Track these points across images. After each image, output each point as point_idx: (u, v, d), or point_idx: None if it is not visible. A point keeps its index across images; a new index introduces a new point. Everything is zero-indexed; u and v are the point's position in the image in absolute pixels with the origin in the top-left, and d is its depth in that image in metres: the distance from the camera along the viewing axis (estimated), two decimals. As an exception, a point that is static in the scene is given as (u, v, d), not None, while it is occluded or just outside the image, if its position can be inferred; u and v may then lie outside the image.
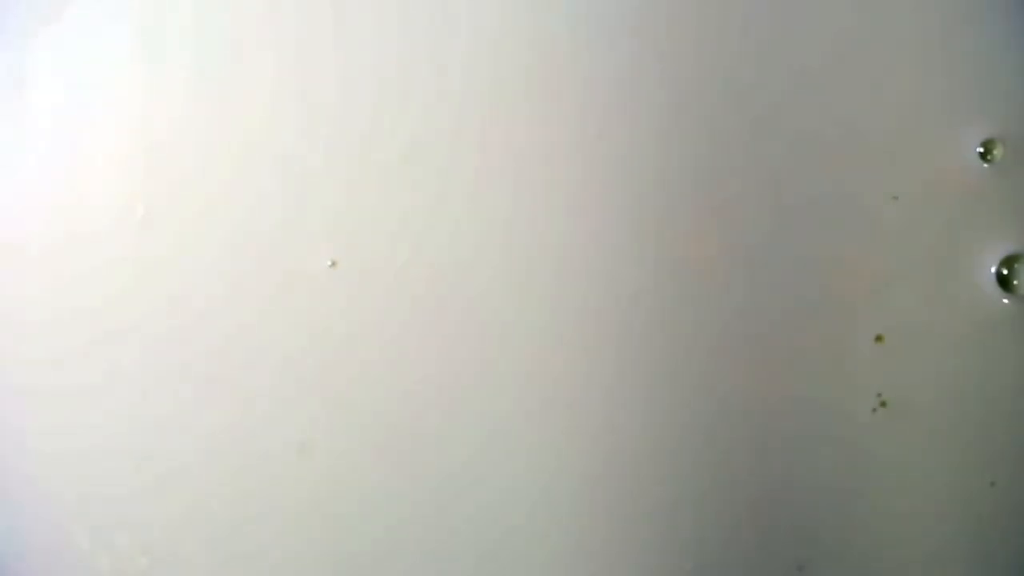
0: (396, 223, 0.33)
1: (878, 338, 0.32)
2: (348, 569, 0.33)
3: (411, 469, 0.32)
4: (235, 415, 0.33)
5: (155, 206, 0.33)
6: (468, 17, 0.33)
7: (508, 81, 0.33)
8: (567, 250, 0.32)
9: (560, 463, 0.32)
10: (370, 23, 0.33)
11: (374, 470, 0.33)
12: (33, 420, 0.34)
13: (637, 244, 0.32)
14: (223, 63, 0.33)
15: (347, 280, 0.33)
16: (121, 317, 0.33)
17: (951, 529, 0.32)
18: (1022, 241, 0.33)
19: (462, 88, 0.33)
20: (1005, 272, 0.33)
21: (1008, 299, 0.33)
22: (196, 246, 0.33)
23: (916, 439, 0.32)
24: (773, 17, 0.33)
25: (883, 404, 0.32)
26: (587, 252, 0.32)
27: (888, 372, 0.32)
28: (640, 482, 0.32)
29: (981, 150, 0.33)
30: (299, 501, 0.33)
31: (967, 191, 0.33)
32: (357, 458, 0.33)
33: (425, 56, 0.33)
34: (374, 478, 0.33)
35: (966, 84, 0.33)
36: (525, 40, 0.33)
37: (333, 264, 0.33)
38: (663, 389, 0.32)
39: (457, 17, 0.33)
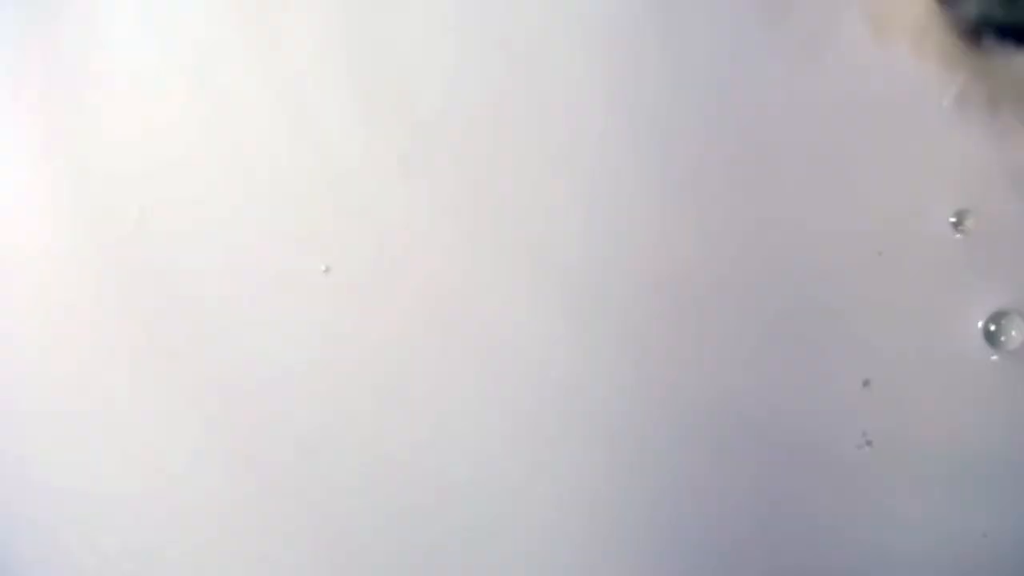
0: (390, 228, 0.33)
1: (865, 383, 0.32)
2: (343, 572, 0.32)
3: (404, 472, 0.32)
4: (228, 419, 0.33)
5: (150, 211, 0.33)
6: (467, 26, 0.34)
7: (506, 91, 0.33)
8: (561, 256, 0.33)
9: (554, 467, 0.32)
10: (369, 32, 0.34)
11: (370, 472, 0.32)
12: (25, 420, 0.34)
13: (630, 260, 0.33)
14: (221, 67, 0.34)
15: (341, 285, 0.33)
16: (113, 321, 0.33)
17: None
18: (1008, 297, 0.33)
19: (459, 97, 0.33)
20: (992, 328, 0.33)
21: (996, 355, 0.33)
22: (190, 251, 0.33)
23: (904, 485, 0.32)
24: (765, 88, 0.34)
25: (868, 443, 0.32)
26: (580, 262, 0.33)
27: (875, 416, 0.32)
28: (627, 516, 0.32)
29: (954, 219, 0.33)
30: (290, 502, 0.32)
31: (946, 254, 0.33)
32: (352, 461, 0.32)
33: (422, 65, 0.34)
34: (368, 480, 0.32)
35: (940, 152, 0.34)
36: (521, 50, 0.33)
37: (327, 269, 0.33)
38: (653, 422, 0.32)
39: (458, 26, 0.34)
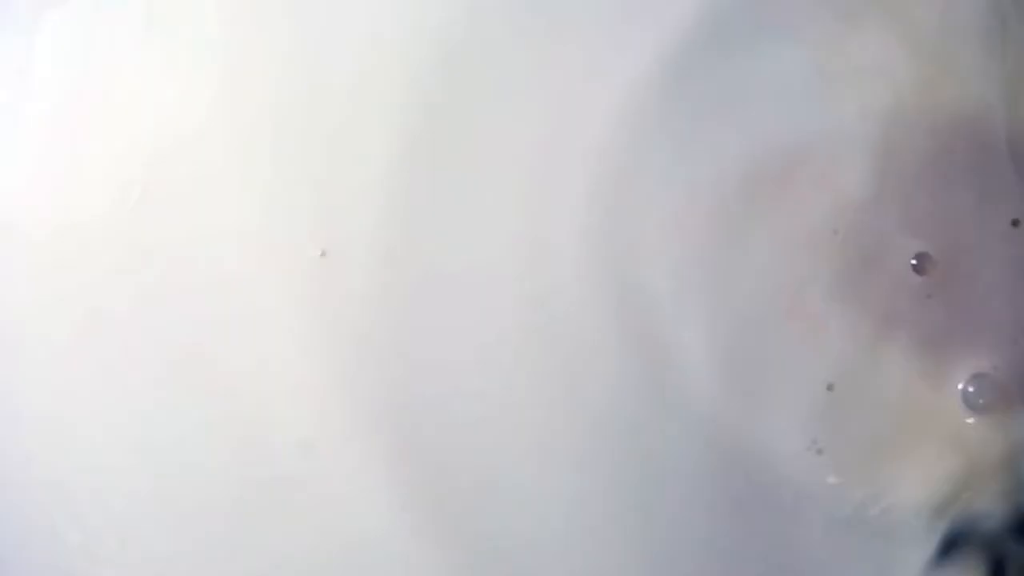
0: (386, 213, 0.33)
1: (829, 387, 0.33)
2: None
3: (400, 460, 0.32)
4: (223, 403, 0.33)
5: (150, 194, 0.34)
6: (471, 15, 0.34)
7: (507, 80, 0.34)
8: (556, 239, 0.33)
9: (548, 452, 0.32)
10: (371, 19, 0.34)
11: (365, 459, 0.32)
12: (18, 399, 0.34)
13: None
14: (225, 54, 0.34)
15: (337, 269, 0.33)
16: (112, 302, 0.34)
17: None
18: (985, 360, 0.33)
19: (460, 85, 0.34)
20: (971, 390, 0.33)
21: (973, 418, 0.33)
22: (189, 234, 0.34)
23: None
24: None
25: (819, 452, 0.32)
26: (576, 250, 0.33)
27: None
28: (575, 510, 0.32)
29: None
30: (279, 484, 0.33)
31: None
32: (346, 450, 0.32)
33: (423, 53, 0.34)
34: (366, 470, 0.32)
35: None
36: (525, 38, 0.34)
37: (323, 254, 0.33)
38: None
39: (460, 16, 0.34)
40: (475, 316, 0.33)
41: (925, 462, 0.32)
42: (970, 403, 0.33)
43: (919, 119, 0.33)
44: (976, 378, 0.33)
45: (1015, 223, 0.33)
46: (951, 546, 0.32)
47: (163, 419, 0.33)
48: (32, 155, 0.35)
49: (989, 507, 0.32)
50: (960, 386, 0.33)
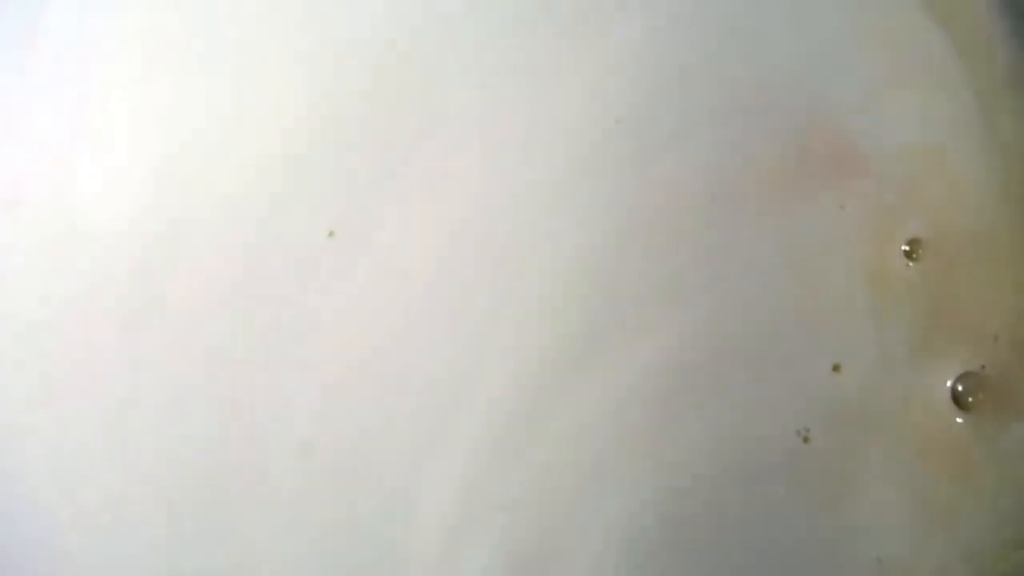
0: (391, 195, 0.34)
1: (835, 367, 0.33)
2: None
3: (403, 441, 0.33)
4: (230, 382, 0.33)
5: (157, 176, 0.35)
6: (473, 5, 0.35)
7: (510, 67, 0.35)
8: (556, 225, 0.34)
9: (550, 421, 0.33)
10: (376, 5, 0.35)
11: (370, 441, 0.33)
12: (17, 383, 0.34)
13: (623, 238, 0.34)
14: (235, 35, 0.35)
15: (345, 249, 0.33)
16: (116, 283, 0.34)
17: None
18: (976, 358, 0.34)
19: (463, 75, 0.35)
20: (960, 388, 0.33)
21: (962, 418, 0.33)
22: (197, 214, 0.34)
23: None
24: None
25: (805, 440, 0.33)
26: (579, 230, 0.34)
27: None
28: (587, 491, 0.33)
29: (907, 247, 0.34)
30: (274, 457, 0.33)
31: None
32: (352, 429, 0.33)
33: (428, 42, 0.35)
34: (367, 450, 0.33)
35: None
36: (525, 32, 0.35)
37: (331, 234, 0.34)
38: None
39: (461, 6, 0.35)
40: (467, 298, 0.33)
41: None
42: (959, 402, 0.33)
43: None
44: (964, 377, 0.33)
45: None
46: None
47: (163, 401, 0.33)
48: (36, 130, 0.35)
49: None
50: (949, 384, 0.33)
